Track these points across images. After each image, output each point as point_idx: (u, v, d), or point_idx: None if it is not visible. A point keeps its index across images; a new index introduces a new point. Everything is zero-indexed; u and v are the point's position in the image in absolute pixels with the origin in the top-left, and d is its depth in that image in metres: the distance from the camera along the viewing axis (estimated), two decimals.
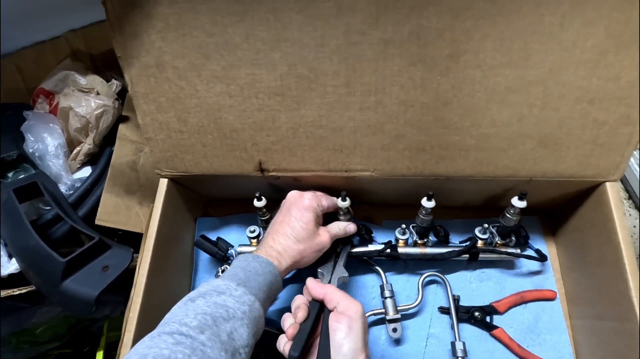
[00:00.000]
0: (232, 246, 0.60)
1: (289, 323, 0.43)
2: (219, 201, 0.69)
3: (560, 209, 0.59)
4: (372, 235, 0.58)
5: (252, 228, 0.58)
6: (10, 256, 0.57)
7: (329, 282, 0.50)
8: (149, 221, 0.52)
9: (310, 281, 0.46)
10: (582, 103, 0.44)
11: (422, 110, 0.47)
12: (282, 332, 0.53)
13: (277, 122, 0.49)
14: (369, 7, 0.42)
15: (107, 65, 0.75)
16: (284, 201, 0.52)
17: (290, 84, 0.47)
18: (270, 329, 0.52)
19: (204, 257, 0.64)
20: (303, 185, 0.54)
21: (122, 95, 0.69)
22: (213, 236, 0.61)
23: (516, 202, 0.49)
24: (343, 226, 0.53)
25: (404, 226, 0.56)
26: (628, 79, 0.43)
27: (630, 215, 1.01)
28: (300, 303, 0.44)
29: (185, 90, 0.49)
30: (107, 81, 0.68)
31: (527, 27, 0.41)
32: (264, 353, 0.51)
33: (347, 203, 0.52)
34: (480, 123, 0.46)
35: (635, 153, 0.98)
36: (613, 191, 0.48)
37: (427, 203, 0.50)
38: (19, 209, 0.54)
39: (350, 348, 0.39)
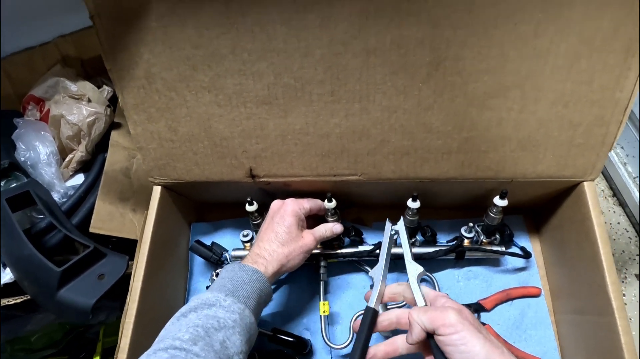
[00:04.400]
0: (227, 251, 0.61)
1: None
2: (212, 207, 0.70)
3: (543, 208, 0.61)
4: (362, 236, 0.60)
5: (245, 232, 0.59)
6: (4, 266, 0.58)
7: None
8: (143, 227, 0.53)
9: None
10: (557, 106, 0.46)
11: (405, 116, 0.48)
12: (276, 333, 0.54)
13: (266, 130, 0.51)
14: (351, 18, 0.43)
15: (97, 70, 0.75)
16: (268, 212, 0.53)
17: (277, 93, 0.48)
18: (263, 331, 0.53)
19: (198, 262, 0.65)
20: (293, 190, 0.56)
21: (113, 101, 0.69)
22: (207, 241, 0.62)
23: (498, 201, 0.50)
24: (329, 227, 0.53)
25: None
26: (600, 82, 0.44)
27: (614, 212, 1.04)
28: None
29: (174, 100, 0.50)
30: (98, 87, 0.68)
31: (503, 35, 0.43)
32: (257, 354, 0.52)
33: (333, 204, 0.53)
34: (461, 127, 0.48)
35: (620, 152, 1.01)
36: (590, 190, 0.49)
37: (413, 204, 0.51)
38: (12, 218, 0.55)
39: (482, 346, 0.35)
